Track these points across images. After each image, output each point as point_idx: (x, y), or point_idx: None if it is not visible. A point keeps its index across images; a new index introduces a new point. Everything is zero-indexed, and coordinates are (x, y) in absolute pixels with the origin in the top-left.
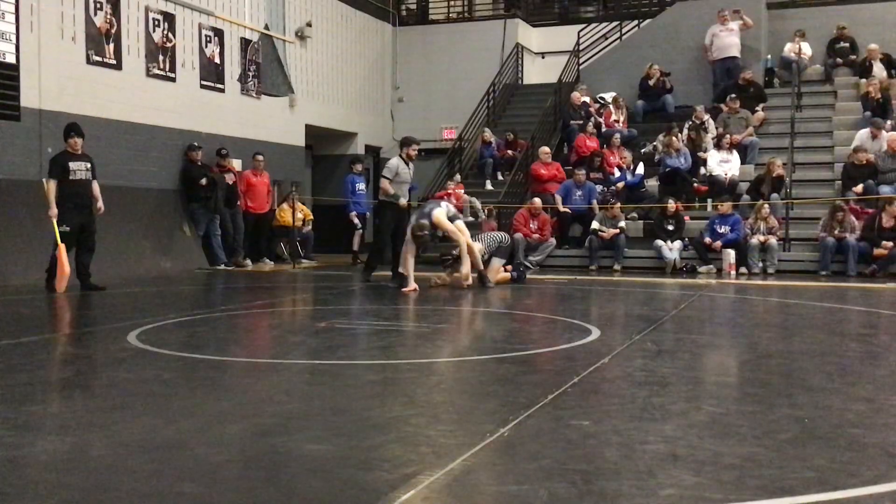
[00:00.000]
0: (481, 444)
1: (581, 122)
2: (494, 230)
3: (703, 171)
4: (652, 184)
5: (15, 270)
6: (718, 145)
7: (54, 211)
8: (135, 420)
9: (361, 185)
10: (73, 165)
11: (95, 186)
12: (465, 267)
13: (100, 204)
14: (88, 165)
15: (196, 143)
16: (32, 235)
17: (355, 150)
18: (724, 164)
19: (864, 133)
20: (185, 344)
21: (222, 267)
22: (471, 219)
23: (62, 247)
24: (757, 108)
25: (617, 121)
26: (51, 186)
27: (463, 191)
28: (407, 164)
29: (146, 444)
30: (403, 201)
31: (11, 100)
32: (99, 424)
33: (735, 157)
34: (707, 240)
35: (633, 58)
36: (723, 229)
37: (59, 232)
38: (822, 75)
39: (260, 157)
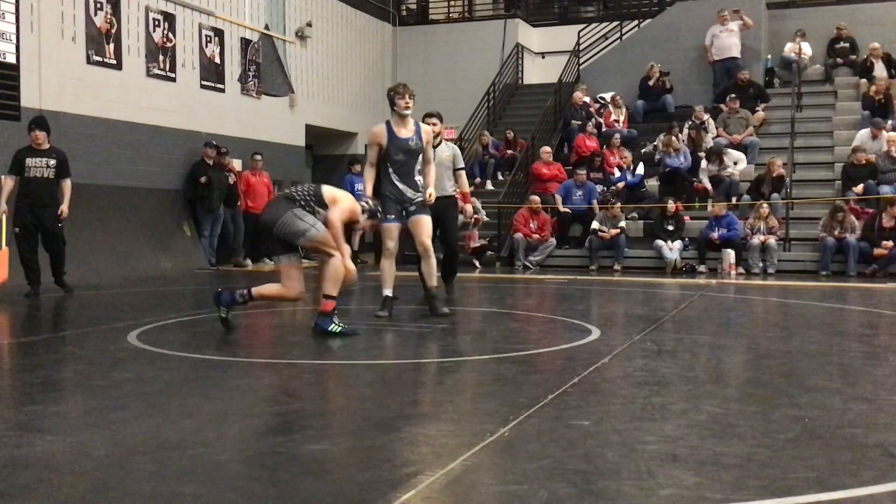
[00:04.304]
0: (481, 444)
1: (581, 122)
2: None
3: (702, 165)
4: (652, 184)
5: (15, 270)
6: (708, 158)
7: (3, 207)
8: (135, 420)
9: (360, 186)
10: (30, 162)
11: (65, 185)
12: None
13: (63, 207)
14: (52, 162)
15: (214, 142)
16: None
17: (355, 150)
18: (721, 171)
19: (864, 133)
20: (185, 344)
21: (210, 268)
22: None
23: (5, 252)
24: (757, 108)
25: (617, 120)
26: (7, 182)
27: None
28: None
29: (146, 444)
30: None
31: (11, 100)
32: (99, 424)
33: (737, 156)
34: (712, 235)
35: (633, 58)
36: (719, 231)
37: (13, 233)
38: (822, 75)
39: (258, 157)
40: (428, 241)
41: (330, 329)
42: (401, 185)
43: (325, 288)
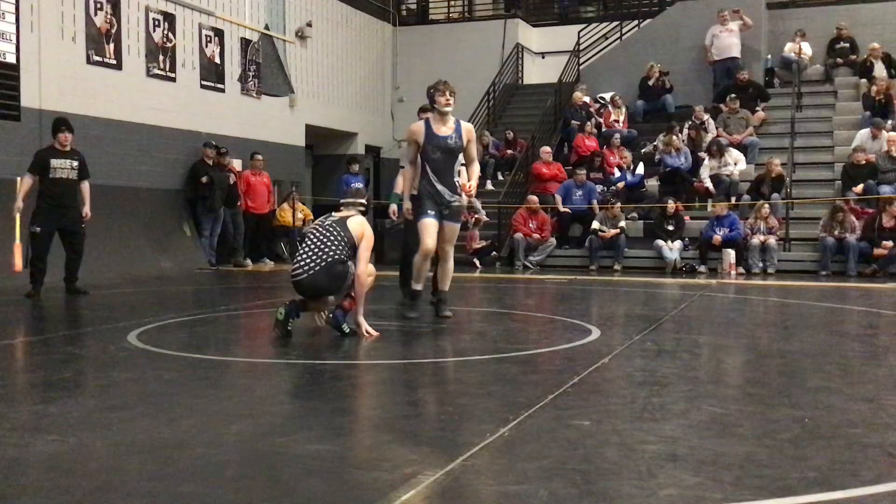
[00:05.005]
0: (481, 444)
1: (581, 122)
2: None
3: (704, 162)
4: (652, 184)
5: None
6: (709, 152)
7: (19, 205)
8: (135, 420)
9: (358, 185)
10: (55, 163)
11: (85, 187)
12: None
13: (86, 209)
14: (75, 164)
15: (213, 142)
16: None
17: (355, 150)
18: (722, 169)
19: (864, 133)
20: (185, 344)
21: (210, 268)
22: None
23: (18, 246)
24: (757, 108)
25: (617, 121)
26: (25, 181)
27: None
28: None
29: (146, 444)
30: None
31: (11, 100)
32: (99, 424)
33: (738, 156)
34: (715, 237)
35: (633, 58)
36: (721, 231)
37: (30, 232)
38: (822, 75)
39: (258, 157)
40: (450, 247)
41: (342, 326)
42: (439, 186)
43: (354, 290)
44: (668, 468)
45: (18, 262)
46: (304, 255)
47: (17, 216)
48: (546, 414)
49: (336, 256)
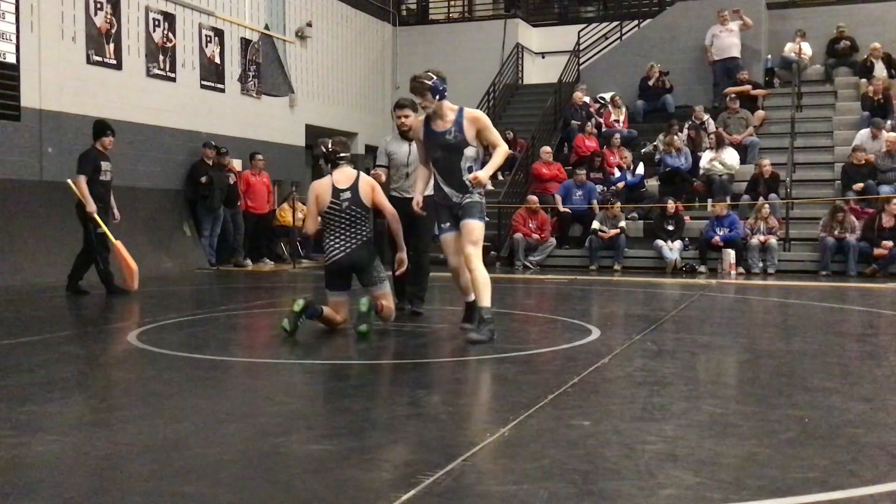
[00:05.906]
0: (481, 444)
1: (581, 122)
2: None
3: (705, 154)
4: (652, 184)
5: (14, 270)
6: (709, 144)
7: (93, 207)
8: (135, 420)
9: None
10: (104, 165)
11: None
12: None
13: (115, 211)
14: (111, 166)
15: (213, 143)
16: (31, 236)
17: (355, 150)
18: (716, 163)
19: (864, 133)
20: (185, 344)
21: (211, 268)
22: None
23: (118, 244)
24: (757, 101)
25: (617, 120)
26: (81, 183)
27: None
28: (405, 141)
29: (146, 444)
30: (418, 197)
31: (11, 100)
32: (99, 424)
33: (731, 154)
34: (716, 238)
35: (633, 58)
36: (721, 231)
37: (99, 232)
38: (822, 75)
39: (259, 157)
40: (472, 248)
41: (366, 312)
42: (445, 189)
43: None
44: (668, 468)
45: (131, 261)
46: (338, 241)
47: (97, 217)
48: (546, 414)
49: (368, 236)
